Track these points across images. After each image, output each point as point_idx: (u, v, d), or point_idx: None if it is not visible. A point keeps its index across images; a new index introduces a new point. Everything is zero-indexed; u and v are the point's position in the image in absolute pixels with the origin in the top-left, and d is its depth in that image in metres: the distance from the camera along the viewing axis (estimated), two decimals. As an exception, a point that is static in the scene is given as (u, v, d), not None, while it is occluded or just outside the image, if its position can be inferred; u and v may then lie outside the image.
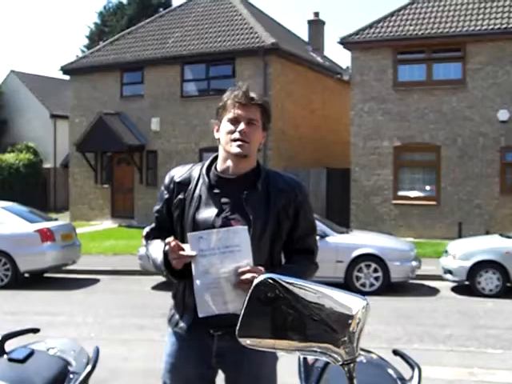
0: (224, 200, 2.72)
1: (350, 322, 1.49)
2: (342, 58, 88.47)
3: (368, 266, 12.28)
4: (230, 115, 2.72)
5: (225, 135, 2.73)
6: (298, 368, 3.00)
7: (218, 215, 2.69)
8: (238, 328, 1.55)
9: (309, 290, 1.52)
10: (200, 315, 2.61)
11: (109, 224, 25.13)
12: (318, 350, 1.52)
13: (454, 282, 12.58)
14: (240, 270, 2.51)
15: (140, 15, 39.81)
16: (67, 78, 28.05)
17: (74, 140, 25.56)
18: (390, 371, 3.00)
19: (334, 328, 1.49)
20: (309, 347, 1.52)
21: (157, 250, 2.74)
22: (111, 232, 22.67)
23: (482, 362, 7.34)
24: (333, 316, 1.50)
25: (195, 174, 2.82)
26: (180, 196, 2.79)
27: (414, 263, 12.47)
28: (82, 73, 26.14)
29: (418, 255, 13.26)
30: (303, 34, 37.65)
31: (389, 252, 12.41)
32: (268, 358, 2.77)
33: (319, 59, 27.37)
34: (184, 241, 2.62)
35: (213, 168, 2.82)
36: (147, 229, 2.99)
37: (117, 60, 25.35)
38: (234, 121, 2.70)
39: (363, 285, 12.26)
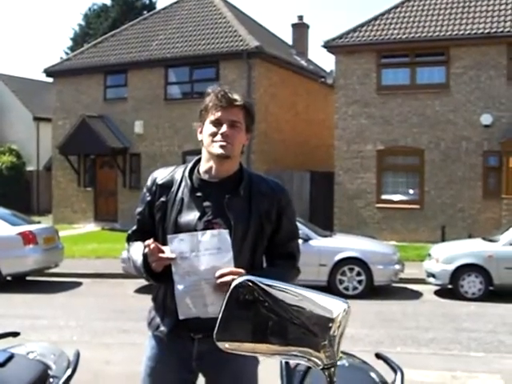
0: (206, 204, 2.70)
1: (330, 325, 1.46)
2: (326, 61, 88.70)
3: (351, 270, 12.30)
4: (212, 117, 2.69)
5: (207, 137, 2.71)
6: (279, 371, 2.97)
7: (200, 219, 2.67)
8: (215, 331, 1.52)
9: (288, 293, 1.49)
10: (180, 317, 2.61)
11: (92, 227, 25.01)
12: (298, 354, 1.49)
13: (436, 285, 12.63)
14: (219, 273, 2.49)
15: (124, 18, 39.75)
16: (50, 80, 27.90)
17: (57, 143, 25.43)
18: (373, 375, 2.98)
19: (314, 331, 1.47)
20: (289, 351, 1.50)
21: (137, 252, 2.72)
22: (94, 235, 22.57)
23: (465, 365, 7.36)
24: (313, 319, 1.47)
25: (178, 177, 2.80)
26: (162, 199, 2.76)
27: (397, 267, 12.51)
28: (66, 75, 26.00)
29: (401, 259, 13.30)
30: (287, 37, 37.67)
31: (372, 255, 12.44)
32: (248, 361, 2.74)
33: (303, 63, 27.41)
34: (165, 243, 2.60)
35: (195, 171, 2.80)
36: (129, 231, 2.97)
37: (100, 62, 25.26)
38: (217, 123, 2.68)
39: (346, 288, 12.27)
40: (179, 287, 2.57)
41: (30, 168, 33.22)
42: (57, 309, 11.26)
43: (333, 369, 1.49)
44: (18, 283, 13.82)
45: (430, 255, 12.91)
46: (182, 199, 2.72)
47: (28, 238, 13.28)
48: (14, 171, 31.51)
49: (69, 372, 3.01)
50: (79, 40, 43.80)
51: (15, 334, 3.49)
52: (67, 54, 41.12)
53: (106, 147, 23.83)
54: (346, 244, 12.95)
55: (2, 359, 3.04)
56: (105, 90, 25.33)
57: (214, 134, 2.68)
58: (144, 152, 24.32)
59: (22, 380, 2.94)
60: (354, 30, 21.05)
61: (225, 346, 1.53)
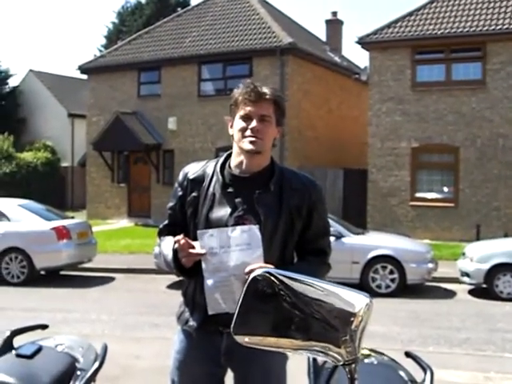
0: (237, 199, 2.69)
1: (352, 319, 1.42)
2: (360, 57, 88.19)
3: (384, 268, 12.18)
4: (241, 112, 2.68)
5: (237, 132, 2.70)
6: (307, 368, 2.94)
7: (231, 214, 2.67)
8: (233, 325, 1.49)
9: (309, 286, 1.46)
10: (210, 312, 2.61)
11: (125, 223, 25.23)
12: (319, 350, 1.45)
13: (471, 284, 12.43)
14: (249, 268, 2.47)
15: (158, 15, 39.88)
16: (85, 77, 28.18)
17: (91, 139, 25.68)
18: (402, 373, 2.93)
19: (334, 326, 1.43)
20: (310, 346, 1.46)
21: (168, 247, 2.72)
22: (127, 231, 22.73)
23: (499, 367, 7.21)
24: (334, 313, 1.43)
25: (209, 171, 2.79)
26: (194, 194, 2.76)
27: (430, 265, 12.35)
28: (100, 72, 26.27)
29: (435, 257, 13.12)
30: (321, 33, 37.50)
31: (405, 254, 12.31)
32: (278, 357, 2.73)
33: (337, 59, 27.28)
34: (197, 238, 2.60)
35: (227, 165, 2.79)
36: (160, 225, 2.98)
37: (134, 59, 25.45)
38: (246, 117, 2.67)
39: (379, 286, 12.15)
40: (209, 283, 2.57)
41: (64, 164, 33.64)
42: (89, 303, 11.37)
43: (353, 365, 1.45)
44: (51, 277, 14.00)
45: (464, 254, 12.71)
46: (214, 194, 2.72)
47: (62, 233, 13.43)
48: (48, 167, 31.94)
49: (96, 365, 3.03)
50: (113, 37, 44.11)
51: (44, 327, 3.52)
52: (101, 51, 41.41)
53: (140, 143, 23.99)
54: (379, 242, 12.83)
55: (30, 351, 3.08)
56: (138, 87, 25.49)
57: (244, 129, 2.67)
58: (177, 148, 24.43)
59: (50, 372, 2.97)
60: (389, 25, 20.84)
61: (244, 339, 1.49)
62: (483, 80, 19.46)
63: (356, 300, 1.43)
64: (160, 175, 24.97)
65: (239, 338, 1.49)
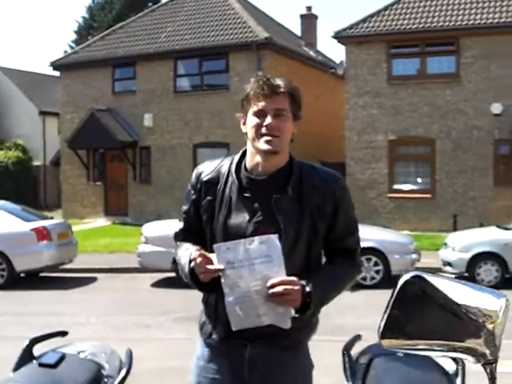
0: (255, 204, 2.51)
1: (494, 319, 1.47)
2: (335, 52, 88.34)
3: (368, 260, 12.26)
4: (254, 108, 2.47)
5: (251, 129, 2.48)
6: (342, 365, 2.93)
7: (249, 221, 2.49)
8: (382, 329, 1.53)
9: (453, 288, 1.52)
10: (234, 329, 2.43)
11: (102, 222, 24.96)
12: (462, 350, 1.50)
13: (453, 274, 12.55)
14: (270, 283, 2.32)
15: (129, 10, 39.53)
16: (56, 73, 27.80)
17: (65, 137, 25.37)
18: (439, 362, 2.96)
19: (479, 326, 1.48)
20: (453, 347, 1.51)
21: (184, 257, 2.56)
22: (105, 230, 22.53)
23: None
24: (478, 314, 1.48)
25: (224, 171, 2.60)
26: (209, 197, 2.57)
27: (413, 256, 12.49)
28: (73, 68, 25.91)
29: (417, 248, 13.27)
30: (296, 28, 37.52)
31: (389, 245, 12.42)
32: (303, 366, 2.62)
33: (312, 53, 27.31)
34: (214, 243, 2.43)
35: (242, 166, 2.59)
36: (176, 229, 2.78)
37: (108, 55, 25.17)
38: (260, 114, 2.46)
39: (364, 278, 12.21)
40: (229, 299, 2.39)
41: (36, 163, 33.10)
42: (74, 305, 11.17)
43: (494, 364, 1.50)
44: (31, 280, 13.72)
45: (446, 244, 12.90)
46: (230, 198, 2.53)
47: (42, 234, 13.17)
48: (20, 166, 31.42)
49: (123, 372, 2.96)
50: (83, 33, 43.61)
51: (64, 334, 3.43)
52: (71, 47, 40.92)
53: (115, 141, 23.76)
54: (363, 234, 12.50)
55: (53, 360, 2.97)
56: (113, 83, 25.22)
57: (258, 126, 2.46)
58: (154, 145, 24.22)
59: (76, 380, 2.87)
60: (364, 20, 20.97)
61: (387, 343, 1.54)
62: (457, 73, 19.73)
63: (495, 300, 1.49)
64: (137, 173, 24.75)
65: (385, 342, 1.52)
